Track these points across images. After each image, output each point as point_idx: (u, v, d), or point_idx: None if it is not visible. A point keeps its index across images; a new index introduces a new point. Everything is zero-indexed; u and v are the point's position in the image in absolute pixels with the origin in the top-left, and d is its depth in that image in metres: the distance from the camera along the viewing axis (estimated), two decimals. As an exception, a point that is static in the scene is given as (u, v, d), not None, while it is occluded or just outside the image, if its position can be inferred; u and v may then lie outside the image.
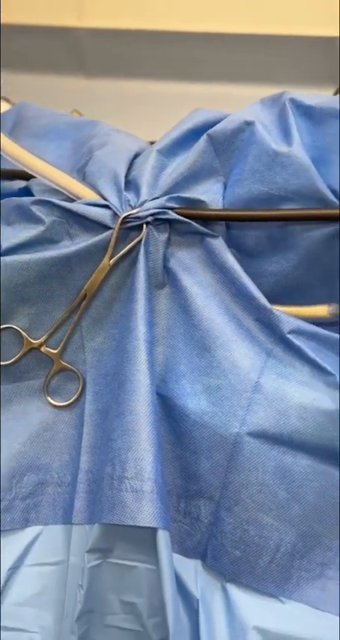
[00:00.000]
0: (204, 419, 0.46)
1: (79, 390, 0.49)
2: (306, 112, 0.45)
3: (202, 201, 0.46)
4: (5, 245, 0.47)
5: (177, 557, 0.47)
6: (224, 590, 0.46)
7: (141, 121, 0.71)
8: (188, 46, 0.88)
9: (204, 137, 0.46)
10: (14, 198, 0.49)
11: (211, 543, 0.46)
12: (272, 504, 0.45)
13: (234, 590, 0.46)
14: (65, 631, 0.45)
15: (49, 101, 0.65)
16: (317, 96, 0.46)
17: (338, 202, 0.44)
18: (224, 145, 0.46)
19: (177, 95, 0.90)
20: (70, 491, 0.48)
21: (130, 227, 0.47)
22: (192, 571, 0.47)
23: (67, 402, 0.50)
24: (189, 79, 0.91)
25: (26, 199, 0.48)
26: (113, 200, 0.47)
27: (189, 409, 0.46)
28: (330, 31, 0.82)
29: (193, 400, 0.46)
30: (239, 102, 0.50)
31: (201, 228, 0.46)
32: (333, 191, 0.44)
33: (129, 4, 0.87)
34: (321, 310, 0.46)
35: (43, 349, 0.49)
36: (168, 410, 0.47)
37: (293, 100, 0.46)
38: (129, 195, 0.47)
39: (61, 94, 0.89)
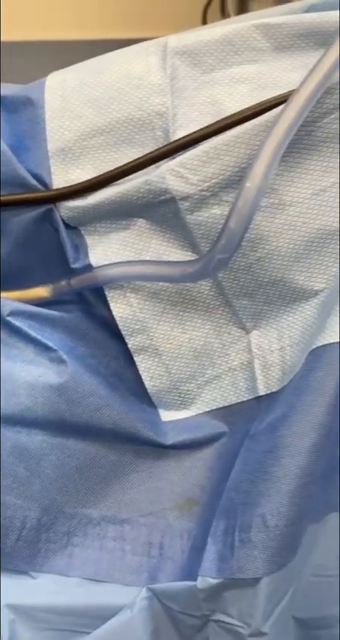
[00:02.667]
0: None
1: None
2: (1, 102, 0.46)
3: None
4: None
5: None
6: None
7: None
8: None
9: None
10: None
11: None
12: (14, 484, 0.45)
13: None
14: None
15: None
16: (10, 85, 0.46)
17: (40, 186, 0.45)
18: None
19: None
20: None
21: None
22: None
23: None
24: None
25: None
26: None
27: None
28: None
29: None
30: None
31: None
32: (34, 175, 0.45)
33: None
34: (43, 291, 0.47)
35: None
36: None
37: None
38: None
39: None
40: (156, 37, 0.55)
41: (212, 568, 0.42)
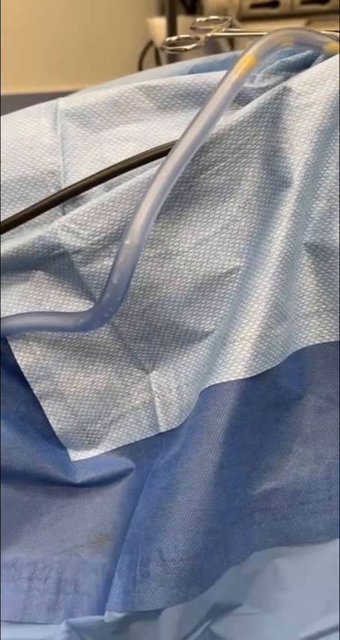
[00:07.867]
0: None
1: None
2: None
3: None
4: None
5: None
6: None
7: None
8: None
9: None
10: None
11: None
12: None
13: None
14: None
15: None
16: None
17: None
18: None
19: None
20: None
21: None
22: None
23: None
24: None
25: None
26: None
27: None
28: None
29: None
30: None
31: None
32: None
33: None
34: None
35: None
36: None
37: None
38: None
39: None
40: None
41: (117, 602, 0.41)
